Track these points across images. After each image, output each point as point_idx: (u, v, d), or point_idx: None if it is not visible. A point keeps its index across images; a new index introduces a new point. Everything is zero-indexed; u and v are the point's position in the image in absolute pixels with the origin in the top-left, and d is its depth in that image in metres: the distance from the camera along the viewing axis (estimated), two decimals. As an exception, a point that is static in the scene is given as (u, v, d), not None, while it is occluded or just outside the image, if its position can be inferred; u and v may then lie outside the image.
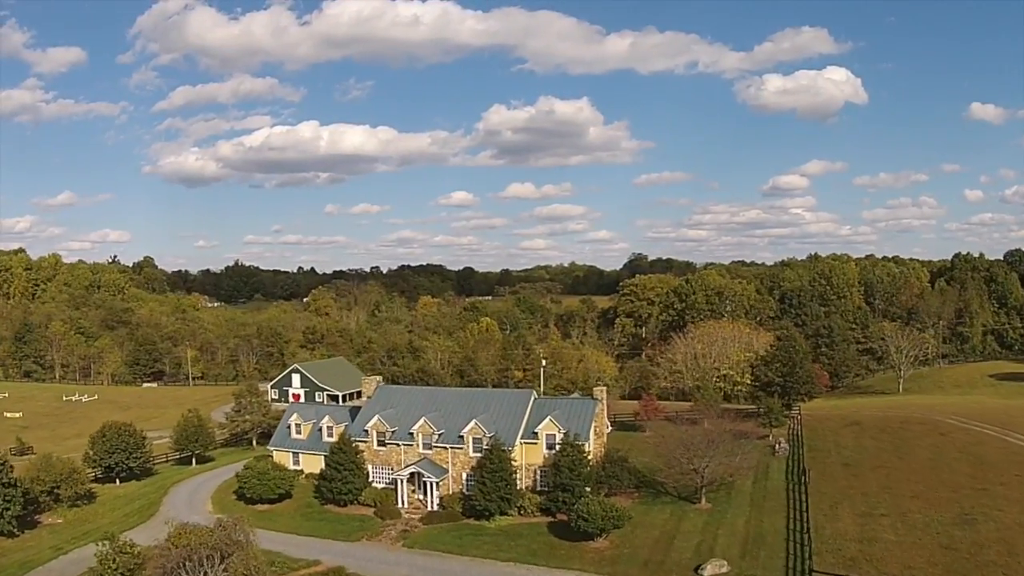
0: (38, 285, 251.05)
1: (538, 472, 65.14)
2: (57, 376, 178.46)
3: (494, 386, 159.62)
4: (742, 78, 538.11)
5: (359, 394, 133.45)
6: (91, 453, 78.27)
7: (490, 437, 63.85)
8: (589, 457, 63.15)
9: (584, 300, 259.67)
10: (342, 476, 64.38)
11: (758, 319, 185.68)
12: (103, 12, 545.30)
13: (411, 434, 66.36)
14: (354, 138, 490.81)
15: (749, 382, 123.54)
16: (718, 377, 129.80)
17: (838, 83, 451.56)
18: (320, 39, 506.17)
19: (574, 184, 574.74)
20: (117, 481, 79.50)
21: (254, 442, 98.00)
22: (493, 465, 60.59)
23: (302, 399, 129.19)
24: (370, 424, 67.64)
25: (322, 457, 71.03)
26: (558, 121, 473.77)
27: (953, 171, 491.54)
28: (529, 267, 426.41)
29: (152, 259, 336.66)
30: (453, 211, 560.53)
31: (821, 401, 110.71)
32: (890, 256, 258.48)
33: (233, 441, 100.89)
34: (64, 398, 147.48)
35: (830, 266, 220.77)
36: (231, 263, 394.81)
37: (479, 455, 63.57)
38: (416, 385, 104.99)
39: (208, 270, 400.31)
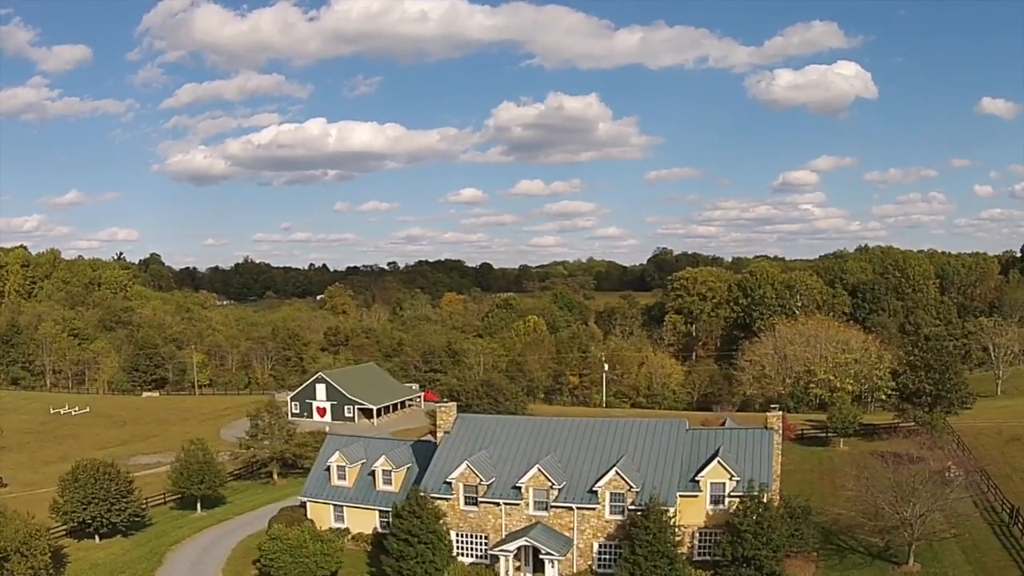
0: (35, 283, 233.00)
1: (697, 536, 44.90)
2: (48, 384, 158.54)
3: (546, 393, 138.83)
4: (752, 73, 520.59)
5: (395, 407, 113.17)
6: (60, 502, 58.19)
7: (636, 492, 43.14)
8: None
9: (625, 296, 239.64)
10: (416, 552, 43.49)
11: (831, 314, 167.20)
12: (109, 9, 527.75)
13: (517, 488, 45.59)
14: (362, 135, 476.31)
15: (850, 388, 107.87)
16: (813, 383, 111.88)
17: (848, 78, 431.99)
18: (328, 35, 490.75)
19: (584, 180, 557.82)
20: (97, 538, 59.47)
21: (275, 475, 77.68)
22: (649, 535, 40.02)
23: (328, 414, 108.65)
24: (456, 474, 46.68)
25: (376, 512, 51.39)
26: (567, 117, 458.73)
27: (963, 166, 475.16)
28: (544, 263, 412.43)
29: (159, 256, 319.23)
30: (462, 208, 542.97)
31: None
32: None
33: (248, 472, 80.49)
34: (52, 411, 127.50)
35: (904, 256, 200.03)
36: (240, 261, 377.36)
37: (619, 517, 43.22)
38: (483, 404, 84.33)
39: (217, 267, 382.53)
